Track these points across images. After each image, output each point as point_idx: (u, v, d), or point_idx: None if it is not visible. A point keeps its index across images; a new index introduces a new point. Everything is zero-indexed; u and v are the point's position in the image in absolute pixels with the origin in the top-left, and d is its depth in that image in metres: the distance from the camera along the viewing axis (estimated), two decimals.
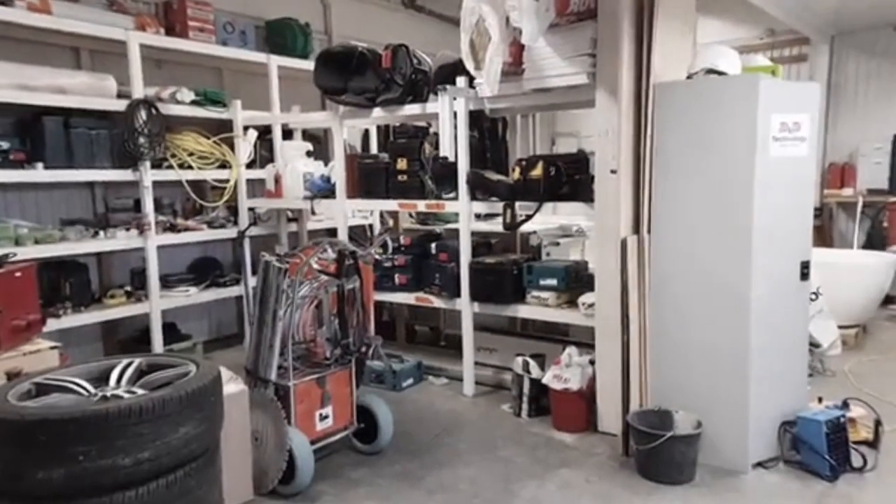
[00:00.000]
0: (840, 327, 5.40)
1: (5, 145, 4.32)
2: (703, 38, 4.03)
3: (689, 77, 3.63)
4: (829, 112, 8.06)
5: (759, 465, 3.44)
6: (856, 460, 3.42)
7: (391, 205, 4.93)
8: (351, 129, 6.20)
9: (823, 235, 7.70)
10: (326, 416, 3.52)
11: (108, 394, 2.23)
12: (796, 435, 3.44)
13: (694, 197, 3.47)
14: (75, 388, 2.29)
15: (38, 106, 4.45)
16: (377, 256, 4.06)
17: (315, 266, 3.54)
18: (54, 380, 2.34)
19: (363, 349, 3.60)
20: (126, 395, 2.19)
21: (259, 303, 3.39)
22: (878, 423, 3.65)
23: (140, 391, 2.23)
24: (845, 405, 3.63)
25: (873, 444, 3.61)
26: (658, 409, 3.52)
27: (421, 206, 4.67)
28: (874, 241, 7.47)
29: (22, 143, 4.45)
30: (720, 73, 3.51)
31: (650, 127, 3.55)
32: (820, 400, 3.68)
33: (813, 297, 4.63)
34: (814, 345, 4.70)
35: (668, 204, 3.56)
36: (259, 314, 3.38)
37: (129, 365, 2.42)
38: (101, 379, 2.40)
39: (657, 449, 3.28)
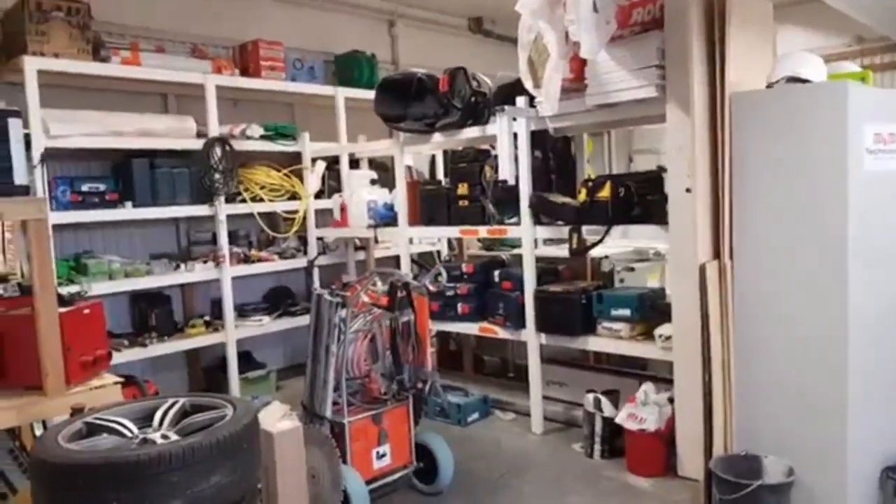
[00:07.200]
0: None
1: (102, 187, 4.66)
2: (786, 47, 3.69)
3: (768, 86, 3.31)
4: None
5: None
6: None
7: (452, 231, 4.79)
8: (417, 155, 6.15)
9: None
10: (384, 455, 3.41)
11: (148, 437, 2.19)
12: None
13: (779, 217, 3.13)
14: (121, 429, 2.27)
15: (128, 149, 4.75)
16: (431, 288, 3.91)
17: (365, 299, 3.44)
18: (104, 420, 2.33)
19: (419, 385, 3.46)
20: (160, 441, 2.13)
21: (312, 337, 3.32)
22: None
23: (174, 436, 2.17)
24: None
25: None
26: (745, 454, 3.19)
27: (482, 232, 4.51)
28: None
29: (115, 184, 4.77)
30: (803, 81, 3.18)
31: (727, 140, 3.26)
32: None
33: None
34: None
35: (750, 226, 3.23)
36: (313, 348, 3.31)
37: (173, 405, 2.38)
38: (147, 418, 2.38)
39: (744, 499, 2.94)
